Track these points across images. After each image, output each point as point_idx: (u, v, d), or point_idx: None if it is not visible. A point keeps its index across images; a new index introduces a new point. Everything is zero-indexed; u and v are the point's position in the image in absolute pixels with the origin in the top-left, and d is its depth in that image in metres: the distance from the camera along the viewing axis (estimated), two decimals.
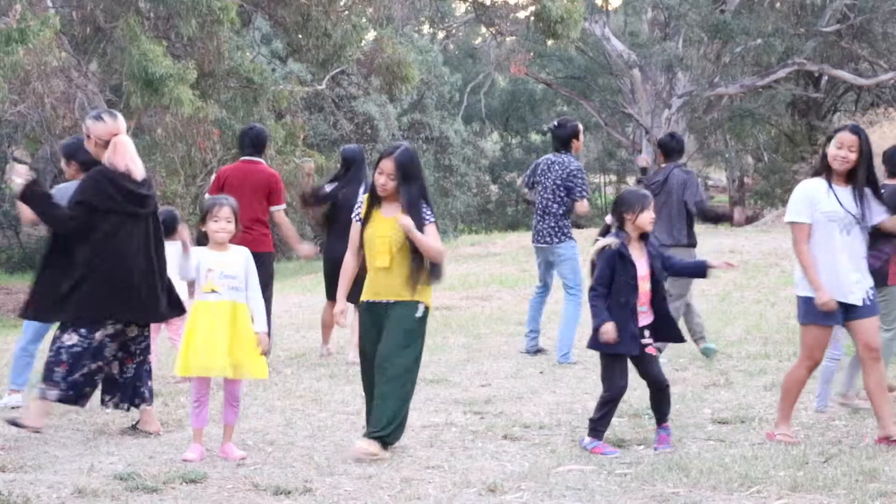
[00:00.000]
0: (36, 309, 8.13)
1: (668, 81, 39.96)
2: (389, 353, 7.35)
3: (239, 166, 11.51)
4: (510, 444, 7.85)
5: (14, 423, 7.84)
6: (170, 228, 10.87)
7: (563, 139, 11.98)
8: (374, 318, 7.49)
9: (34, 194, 7.94)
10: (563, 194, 11.76)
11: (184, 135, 24.72)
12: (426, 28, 46.78)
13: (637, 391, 9.68)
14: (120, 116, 8.08)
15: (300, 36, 27.83)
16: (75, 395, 7.89)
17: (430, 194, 7.63)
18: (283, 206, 11.44)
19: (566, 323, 11.70)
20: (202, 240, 7.75)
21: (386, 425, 7.28)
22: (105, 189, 7.86)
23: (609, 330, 7.52)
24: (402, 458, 7.32)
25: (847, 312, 7.74)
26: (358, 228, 7.56)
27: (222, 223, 7.41)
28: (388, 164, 7.33)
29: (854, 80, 39.97)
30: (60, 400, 7.88)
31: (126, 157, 7.94)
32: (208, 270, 7.38)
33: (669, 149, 11.88)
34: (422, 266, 7.36)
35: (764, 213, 43.20)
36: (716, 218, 12.60)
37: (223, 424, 7.48)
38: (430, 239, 7.35)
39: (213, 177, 12.09)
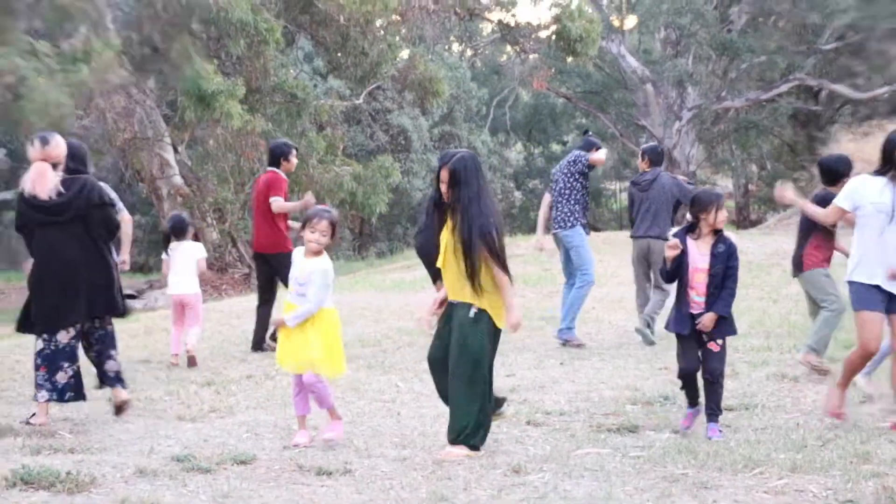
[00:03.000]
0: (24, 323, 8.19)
1: (679, 95, 39.81)
2: (453, 357, 7.02)
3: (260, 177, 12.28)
4: (533, 429, 7.87)
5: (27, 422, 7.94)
6: (179, 232, 11.25)
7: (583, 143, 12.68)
8: (447, 316, 7.16)
9: None
10: (572, 180, 12.06)
11: (233, 146, 24.86)
12: (455, 47, 46.82)
13: (649, 380, 9.71)
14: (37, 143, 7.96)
15: (339, 54, 27.92)
16: (66, 393, 7.95)
17: (488, 198, 6.99)
18: (277, 197, 11.71)
19: (571, 301, 12.06)
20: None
21: (458, 430, 7.00)
22: (21, 211, 8.00)
23: (673, 244, 7.61)
24: (434, 443, 7.35)
25: (889, 303, 7.67)
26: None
27: (317, 234, 7.25)
28: (443, 173, 6.99)
29: (851, 94, 39.74)
30: (52, 400, 7.91)
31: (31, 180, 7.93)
32: (293, 274, 7.37)
33: (657, 157, 12.64)
34: (473, 270, 6.85)
35: (767, 217, 43.02)
36: None
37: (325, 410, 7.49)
38: (497, 272, 6.91)
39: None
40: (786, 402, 8.78)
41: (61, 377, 7.90)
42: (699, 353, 7.63)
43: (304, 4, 26.87)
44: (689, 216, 7.85)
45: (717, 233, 7.70)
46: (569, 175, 12.13)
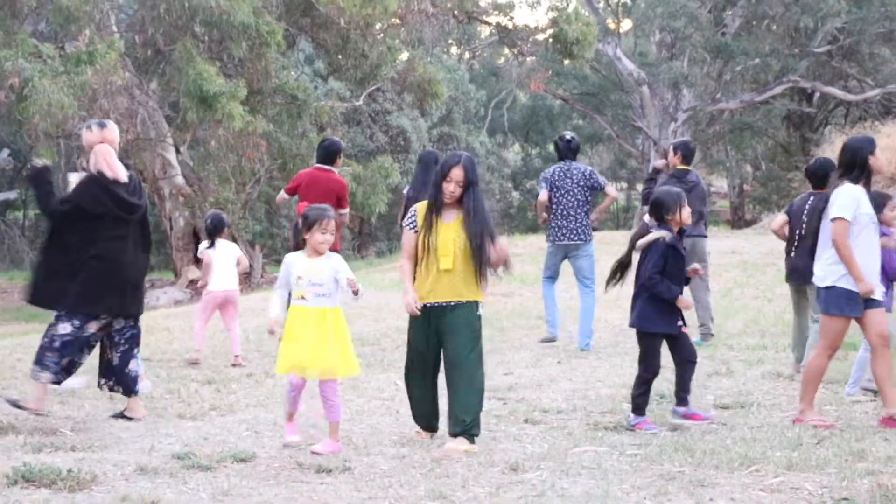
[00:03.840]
0: (39, 295, 8.01)
1: (675, 97, 39.80)
2: (463, 352, 7.06)
3: (313, 172, 11.76)
4: (530, 427, 7.83)
5: (15, 405, 7.83)
6: (217, 230, 11.24)
7: (576, 150, 12.28)
8: (432, 320, 7.12)
9: (40, 176, 7.99)
10: (588, 194, 11.98)
11: (235, 147, 24.81)
12: (454, 49, 46.86)
13: None
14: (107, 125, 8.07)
15: (340, 57, 27.89)
16: (62, 377, 7.92)
17: (483, 195, 7.24)
18: (347, 210, 11.56)
19: (587, 315, 11.85)
20: (300, 244, 7.40)
21: (463, 422, 7.02)
22: (97, 195, 7.86)
23: (688, 302, 7.67)
24: (432, 441, 7.31)
25: (866, 303, 7.69)
26: (413, 237, 7.15)
27: (328, 235, 7.03)
28: (458, 172, 6.99)
29: (844, 96, 39.80)
30: (51, 382, 7.87)
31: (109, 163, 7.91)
32: (298, 278, 7.02)
33: (689, 152, 12.36)
34: (483, 267, 7.06)
35: (762, 217, 43.01)
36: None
37: (328, 422, 7.11)
38: (504, 247, 7.11)
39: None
40: (781, 401, 8.75)
41: (64, 362, 7.85)
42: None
43: (304, 7, 26.84)
44: (647, 218, 7.90)
45: (681, 231, 7.87)
46: (586, 189, 11.99)
